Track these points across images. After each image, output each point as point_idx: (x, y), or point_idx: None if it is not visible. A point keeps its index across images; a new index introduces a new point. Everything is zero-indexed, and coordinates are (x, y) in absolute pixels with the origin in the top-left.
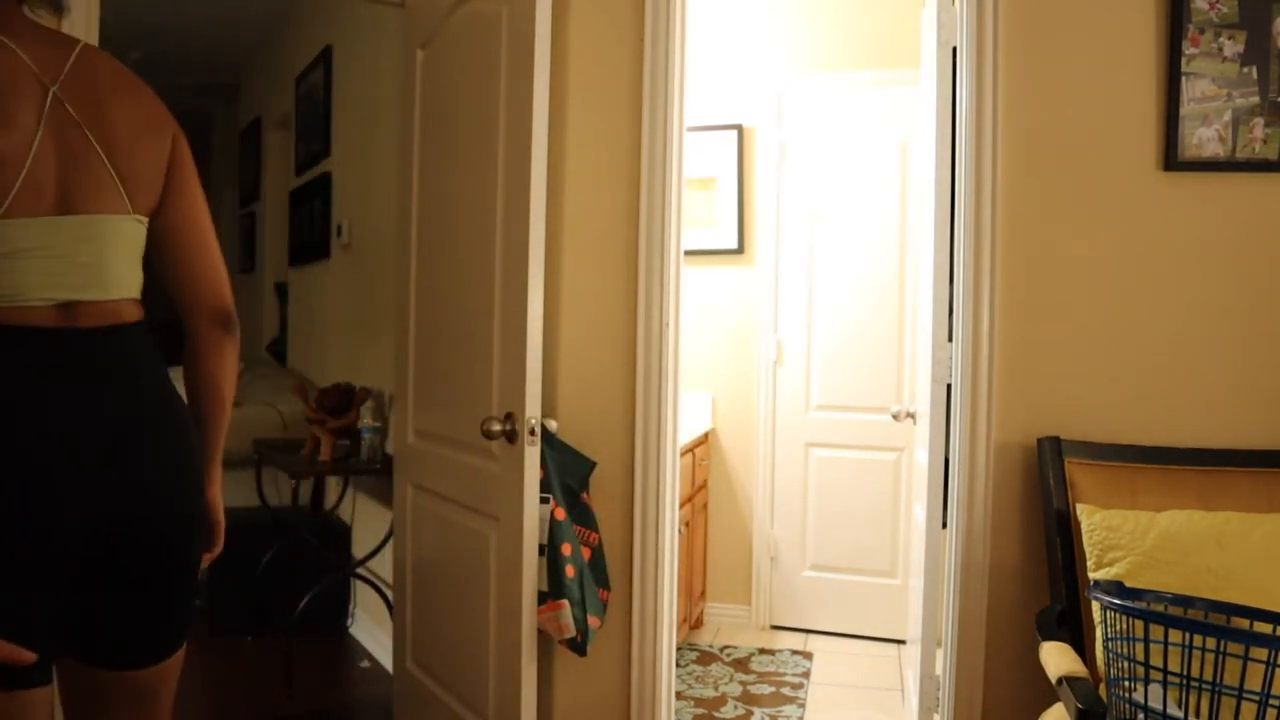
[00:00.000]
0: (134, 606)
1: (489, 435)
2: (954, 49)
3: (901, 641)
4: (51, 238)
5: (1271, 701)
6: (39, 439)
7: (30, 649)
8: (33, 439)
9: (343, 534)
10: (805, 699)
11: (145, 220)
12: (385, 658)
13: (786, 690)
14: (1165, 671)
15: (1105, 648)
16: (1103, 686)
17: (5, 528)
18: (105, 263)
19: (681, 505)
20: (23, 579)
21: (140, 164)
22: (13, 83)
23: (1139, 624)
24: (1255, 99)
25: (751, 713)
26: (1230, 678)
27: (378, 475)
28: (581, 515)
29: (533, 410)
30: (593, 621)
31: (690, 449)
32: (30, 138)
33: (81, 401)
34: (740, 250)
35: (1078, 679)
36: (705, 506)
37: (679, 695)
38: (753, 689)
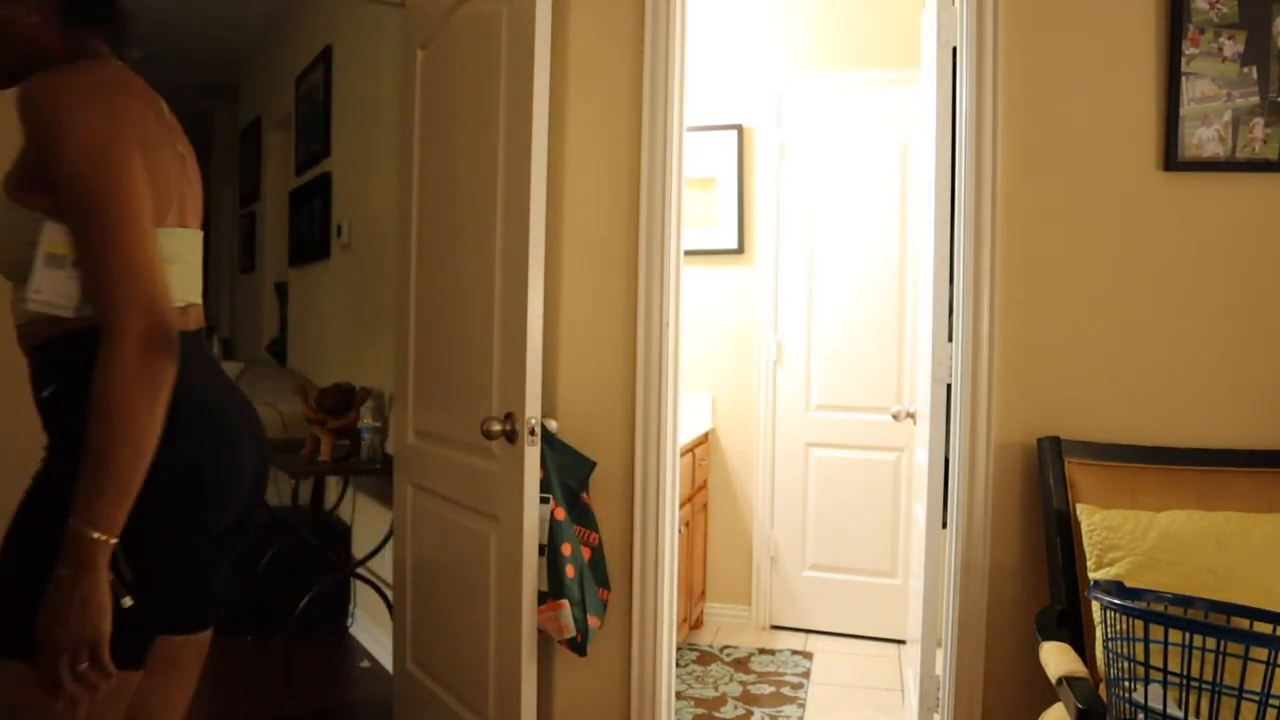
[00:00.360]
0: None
1: (489, 435)
2: (954, 49)
3: (901, 641)
4: (184, 246)
5: (1271, 701)
6: (239, 434)
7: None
8: (237, 433)
9: (343, 534)
10: (805, 699)
11: None
12: (385, 658)
13: (786, 690)
14: (1165, 671)
15: (1105, 648)
16: (1103, 686)
17: (223, 512)
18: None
19: (681, 505)
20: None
21: None
22: (165, 115)
23: (1139, 624)
24: (1255, 99)
25: (751, 713)
26: (1230, 678)
27: (378, 475)
28: (581, 515)
29: (533, 410)
30: (593, 621)
31: (690, 449)
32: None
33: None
34: (740, 250)
35: (1078, 679)
36: (705, 506)
37: (679, 695)
38: (753, 689)
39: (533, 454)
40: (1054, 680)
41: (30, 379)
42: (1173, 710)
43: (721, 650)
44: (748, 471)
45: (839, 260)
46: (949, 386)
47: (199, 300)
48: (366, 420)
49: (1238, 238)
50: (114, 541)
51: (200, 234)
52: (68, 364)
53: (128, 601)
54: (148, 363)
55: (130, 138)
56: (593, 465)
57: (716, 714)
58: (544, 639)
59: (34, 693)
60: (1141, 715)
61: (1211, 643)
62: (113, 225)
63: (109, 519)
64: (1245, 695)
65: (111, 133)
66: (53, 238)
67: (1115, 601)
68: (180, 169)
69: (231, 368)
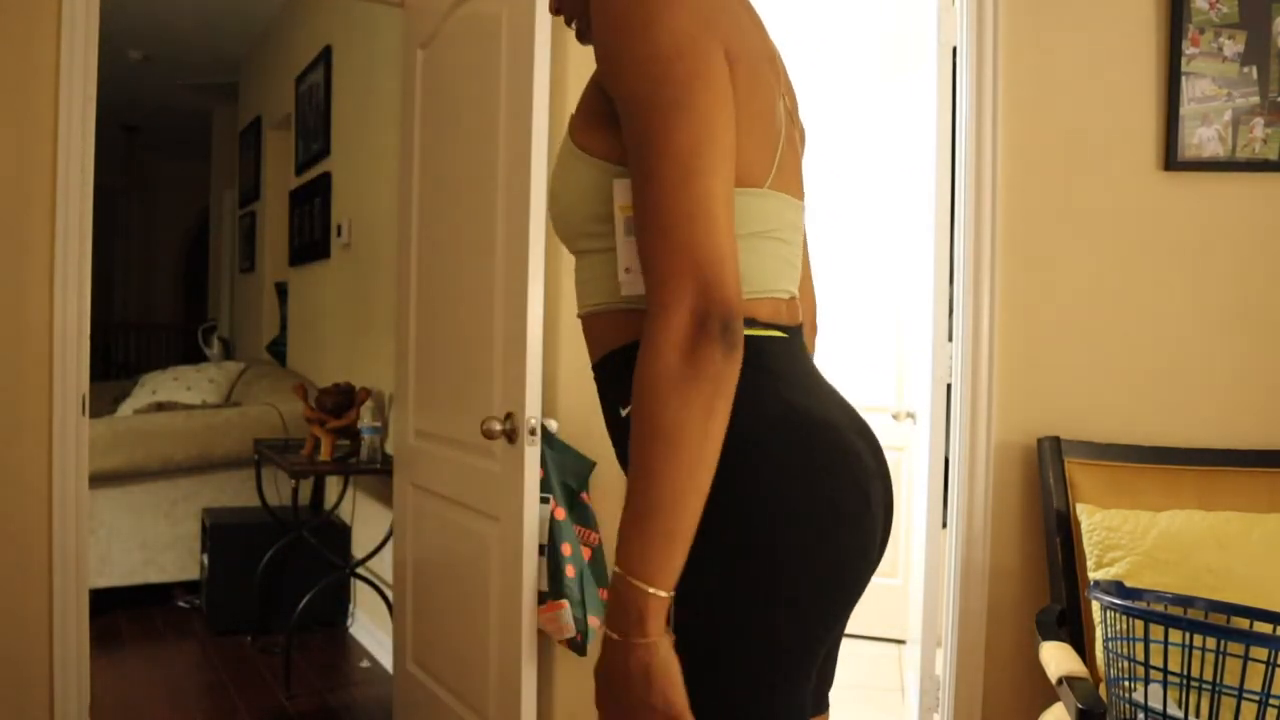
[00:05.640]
0: None
1: (489, 435)
2: (954, 49)
3: (901, 641)
4: (784, 217)
5: (1271, 701)
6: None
7: None
8: (866, 468)
9: (343, 534)
10: None
11: None
12: (385, 658)
13: None
14: (1165, 671)
15: (1105, 648)
16: (1103, 686)
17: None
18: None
19: None
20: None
21: None
22: (762, 27)
23: (1139, 624)
24: (1255, 99)
25: None
26: (1230, 678)
27: (378, 475)
28: (581, 515)
29: (533, 410)
30: (593, 621)
31: None
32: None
33: None
34: None
35: (1078, 679)
36: None
37: None
38: None
39: (533, 454)
40: (1054, 680)
41: (599, 391)
42: (1173, 710)
43: None
44: None
45: (838, 260)
46: (949, 386)
47: (796, 292)
48: (366, 420)
49: (1238, 238)
50: (664, 596)
51: (802, 206)
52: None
53: None
54: (695, 359)
55: (716, 48)
56: (593, 465)
57: None
58: (544, 639)
59: None
60: (1141, 715)
61: (1211, 643)
62: (668, 160)
63: (651, 566)
64: (1245, 695)
65: (692, 37)
66: (628, 198)
67: (1115, 601)
68: (777, 110)
69: (231, 367)
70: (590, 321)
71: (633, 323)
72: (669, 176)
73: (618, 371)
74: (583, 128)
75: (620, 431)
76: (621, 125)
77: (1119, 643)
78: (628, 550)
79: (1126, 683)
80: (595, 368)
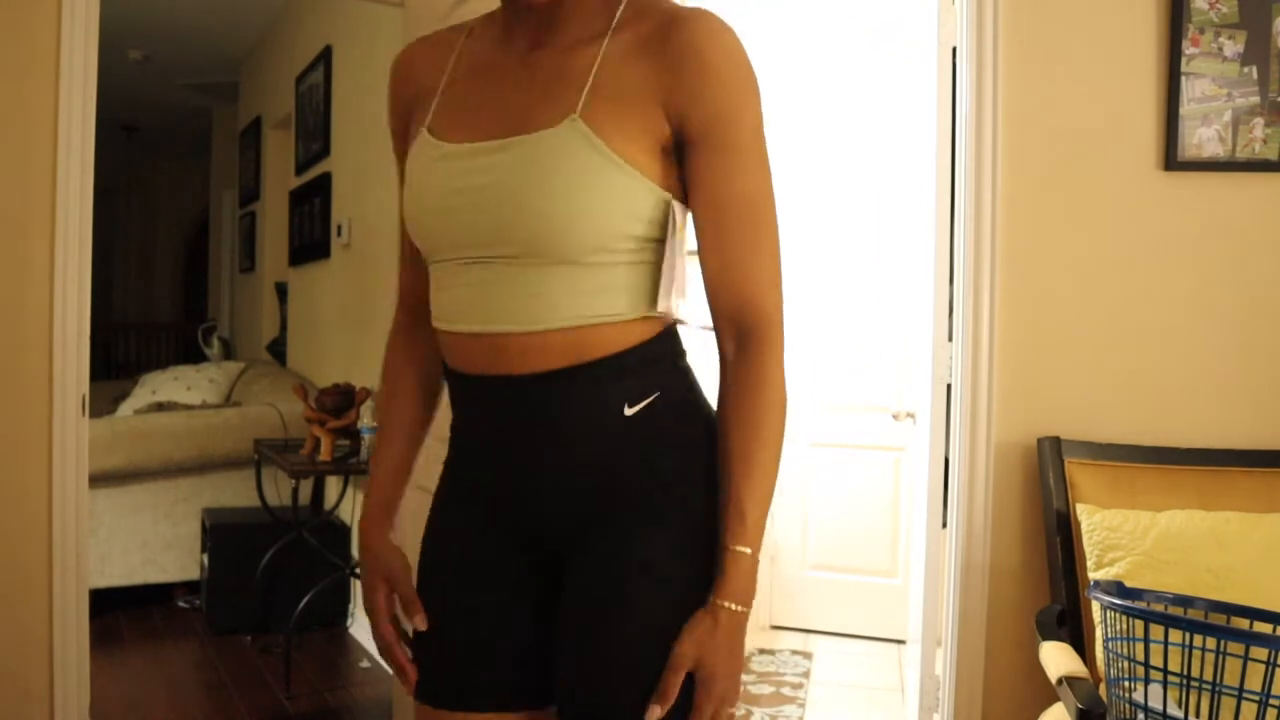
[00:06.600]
0: None
1: None
2: (954, 49)
3: (901, 641)
4: None
5: (1271, 701)
6: None
7: None
8: None
9: (343, 534)
10: (805, 699)
11: None
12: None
13: (786, 690)
14: (1165, 671)
15: (1105, 648)
16: (1103, 686)
17: None
18: None
19: None
20: None
21: None
22: None
23: (1139, 624)
24: (1255, 99)
25: (751, 713)
26: (1230, 678)
27: None
28: None
29: None
30: None
31: None
32: None
33: None
34: None
35: (1078, 679)
36: None
37: None
38: (753, 689)
39: None
40: (1054, 680)
41: (587, 393)
42: (1173, 710)
43: None
44: None
45: (839, 259)
46: (949, 386)
47: None
48: (366, 420)
49: (1238, 238)
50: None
51: None
52: (655, 377)
53: None
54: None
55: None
56: None
57: None
58: None
59: None
60: (1141, 715)
61: (1211, 643)
62: (773, 213)
63: (760, 542)
64: (1245, 695)
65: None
66: (684, 219)
67: (1115, 601)
68: None
69: (231, 367)
70: (584, 332)
71: (641, 328)
72: (774, 227)
73: (621, 371)
74: (626, 143)
75: (618, 429)
76: (695, 161)
77: (1119, 643)
78: (757, 531)
79: (1126, 683)
80: (572, 371)
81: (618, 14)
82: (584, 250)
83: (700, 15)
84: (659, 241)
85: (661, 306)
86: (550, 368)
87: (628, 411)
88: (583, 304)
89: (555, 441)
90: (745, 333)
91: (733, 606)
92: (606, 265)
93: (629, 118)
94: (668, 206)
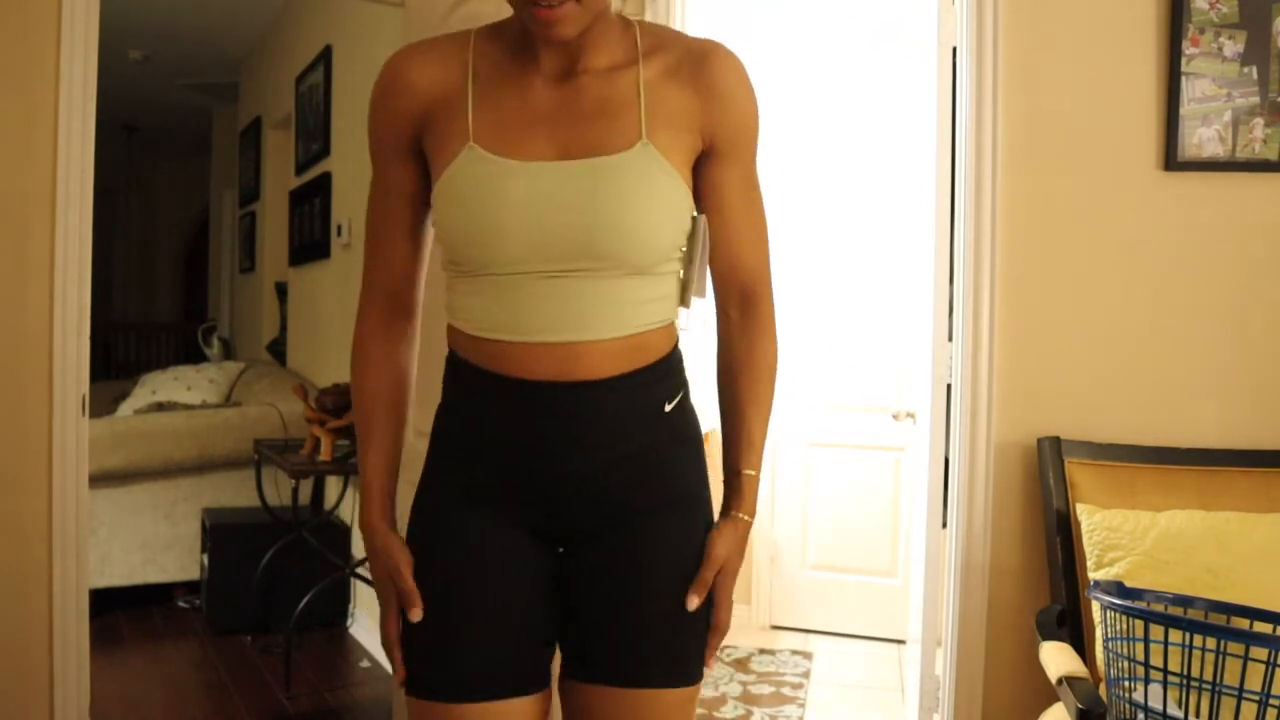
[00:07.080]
0: None
1: None
2: (954, 49)
3: (901, 641)
4: None
5: (1271, 701)
6: None
7: None
8: None
9: (343, 534)
10: (805, 699)
11: None
12: (385, 658)
13: (786, 690)
14: (1165, 671)
15: (1105, 648)
16: (1103, 686)
17: None
18: None
19: None
20: None
21: None
22: None
23: (1139, 624)
24: (1255, 99)
25: (751, 713)
26: (1230, 678)
27: None
28: None
29: None
30: None
31: None
32: None
33: None
34: None
35: (1078, 679)
36: None
37: None
38: (753, 689)
39: None
40: (1054, 680)
41: (636, 396)
42: (1173, 710)
43: (721, 650)
44: None
45: (838, 259)
46: (949, 386)
47: None
48: None
49: (1238, 238)
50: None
51: None
52: (681, 376)
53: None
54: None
55: None
56: None
57: (716, 714)
58: None
59: None
60: (1141, 715)
61: (1211, 643)
62: (763, 199)
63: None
64: (1245, 695)
65: None
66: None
67: (1115, 601)
68: None
69: (231, 367)
70: (645, 337)
71: (672, 331)
72: (765, 214)
73: (665, 372)
74: (682, 164)
75: (658, 425)
76: (718, 171)
77: (1119, 643)
78: (760, 455)
79: (1126, 683)
80: (634, 375)
81: (639, 42)
82: (656, 261)
83: (723, 51)
84: (682, 250)
85: (688, 305)
86: (618, 372)
87: (667, 408)
88: (646, 311)
89: (605, 440)
90: (751, 299)
91: (746, 518)
92: (663, 275)
93: (680, 139)
94: (697, 219)
